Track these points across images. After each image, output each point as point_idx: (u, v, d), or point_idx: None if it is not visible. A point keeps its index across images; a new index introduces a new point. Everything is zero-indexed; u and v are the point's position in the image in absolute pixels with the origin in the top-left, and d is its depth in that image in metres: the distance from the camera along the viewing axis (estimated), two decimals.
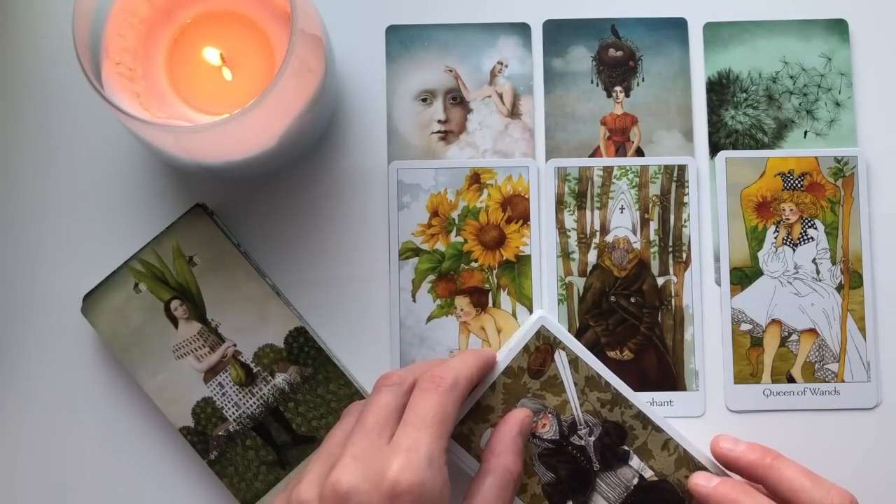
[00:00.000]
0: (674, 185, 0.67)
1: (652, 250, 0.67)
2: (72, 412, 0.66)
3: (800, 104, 0.68)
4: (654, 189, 0.67)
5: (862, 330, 0.66)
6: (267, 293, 0.65)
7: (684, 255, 0.67)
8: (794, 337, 0.66)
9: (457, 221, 0.67)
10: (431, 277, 0.66)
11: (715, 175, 0.67)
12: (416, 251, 0.67)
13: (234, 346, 0.64)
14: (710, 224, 0.67)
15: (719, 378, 0.66)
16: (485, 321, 0.66)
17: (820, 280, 0.66)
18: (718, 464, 0.63)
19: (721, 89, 0.68)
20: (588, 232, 0.67)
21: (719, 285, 0.67)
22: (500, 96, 0.68)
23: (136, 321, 0.64)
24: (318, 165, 0.67)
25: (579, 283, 0.67)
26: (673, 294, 0.66)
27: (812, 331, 0.66)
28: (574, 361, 0.63)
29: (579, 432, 0.63)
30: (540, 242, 0.67)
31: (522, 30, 0.68)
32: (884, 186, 0.67)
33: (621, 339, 0.66)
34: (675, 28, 0.68)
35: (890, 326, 0.66)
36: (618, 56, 0.68)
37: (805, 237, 0.67)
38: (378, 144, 0.67)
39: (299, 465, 0.64)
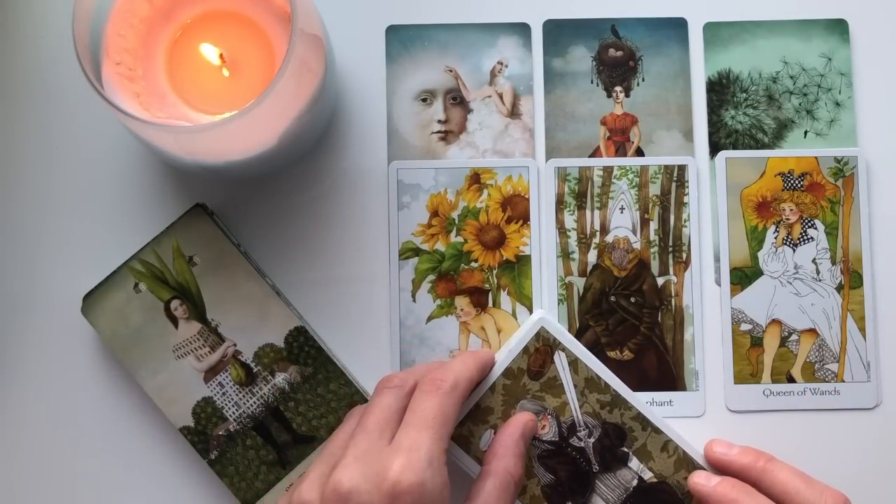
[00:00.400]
0: (674, 185, 0.67)
1: (652, 250, 0.67)
2: (72, 412, 0.66)
3: (800, 104, 0.67)
4: (654, 189, 0.67)
5: (862, 330, 0.66)
6: (267, 293, 0.65)
7: (684, 255, 0.67)
8: (794, 337, 0.66)
9: (457, 221, 0.67)
10: (431, 277, 0.67)
11: (715, 175, 0.67)
12: (416, 251, 0.67)
13: (235, 345, 0.64)
14: (710, 224, 0.67)
15: (719, 378, 0.66)
16: (485, 321, 0.66)
17: (820, 280, 0.66)
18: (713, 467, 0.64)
19: (721, 89, 0.68)
20: (588, 232, 0.67)
21: (719, 285, 0.67)
22: (500, 96, 0.68)
23: (136, 321, 0.64)
24: (318, 165, 0.67)
25: (579, 283, 0.67)
26: (673, 294, 0.66)
27: (812, 331, 0.66)
28: (574, 363, 0.63)
29: (579, 434, 0.63)
30: (540, 242, 0.67)
31: (522, 30, 0.68)
32: (884, 186, 0.67)
33: (621, 339, 0.66)
34: (675, 28, 0.68)
35: (890, 326, 0.66)
36: (618, 56, 0.68)
37: (805, 237, 0.67)
38: (378, 144, 0.67)
39: (300, 464, 0.64)
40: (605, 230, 0.67)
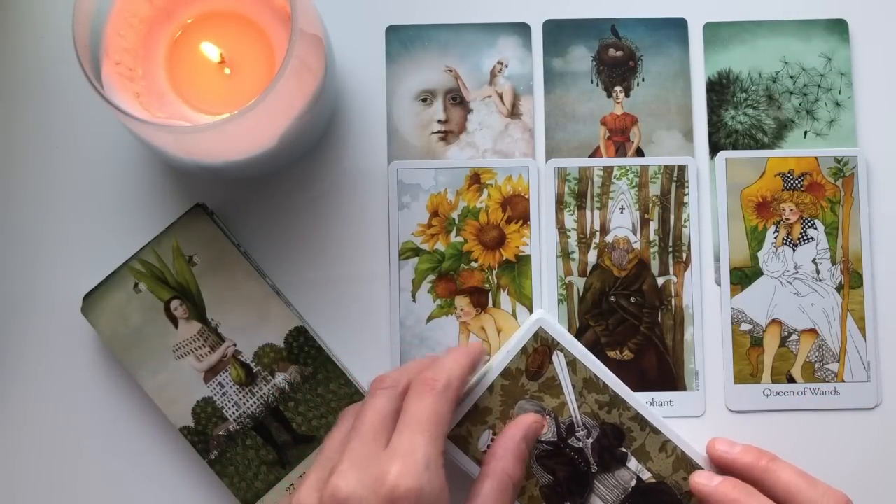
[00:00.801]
0: (674, 185, 0.67)
1: (652, 250, 0.67)
2: (72, 412, 0.66)
3: (800, 104, 0.67)
4: (654, 189, 0.67)
5: (862, 330, 0.66)
6: (267, 293, 0.65)
7: (684, 255, 0.67)
8: (794, 337, 0.66)
9: (457, 221, 0.67)
10: (431, 277, 0.67)
11: (715, 175, 0.67)
12: (416, 251, 0.67)
13: (234, 345, 0.64)
14: (710, 224, 0.67)
15: (719, 378, 0.66)
16: (485, 321, 0.66)
17: (820, 280, 0.66)
18: (715, 466, 0.64)
19: (721, 89, 0.68)
20: (588, 232, 0.67)
21: (719, 285, 0.67)
22: (500, 96, 0.68)
23: (136, 321, 0.64)
24: (318, 165, 0.67)
25: (579, 283, 0.67)
26: (673, 294, 0.66)
27: (812, 331, 0.66)
28: (572, 363, 0.63)
29: (577, 434, 0.63)
30: (540, 242, 0.67)
31: (522, 30, 0.68)
32: (884, 186, 0.67)
33: (621, 339, 0.66)
34: (675, 28, 0.68)
35: (890, 326, 0.66)
36: (618, 56, 0.68)
37: (805, 237, 0.67)
38: (378, 144, 0.67)
39: (300, 464, 0.64)
40: (605, 230, 0.67)
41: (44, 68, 0.68)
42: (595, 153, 0.67)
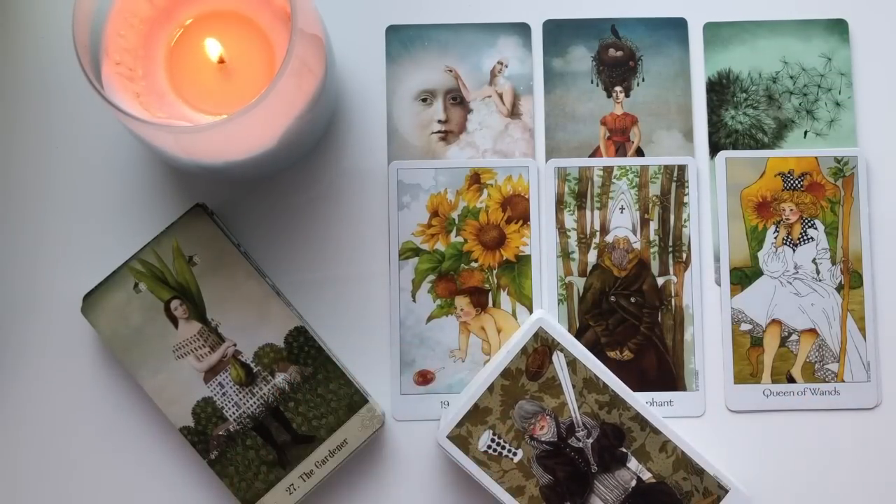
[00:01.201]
0: (674, 185, 0.67)
1: (652, 250, 0.67)
2: (72, 412, 0.66)
3: (800, 104, 0.67)
4: (654, 189, 0.67)
5: (862, 330, 0.66)
6: (267, 293, 0.65)
7: (684, 255, 0.67)
8: (794, 337, 0.66)
9: (457, 221, 0.67)
10: (431, 277, 0.67)
11: (715, 175, 0.67)
12: (416, 251, 0.67)
13: (235, 345, 0.64)
14: (710, 224, 0.67)
15: (719, 378, 0.66)
16: (485, 321, 0.66)
17: (820, 280, 0.66)
18: (716, 466, 0.63)
19: (721, 89, 0.68)
20: (588, 232, 0.67)
21: (719, 285, 0.67)
22: (500, 96, 0.68)
23: (136, 321, 0.64)
24: (318, 165, 0.67)
25: (579, 283, 0.67)
26: (673, 294, 0.66)
27: (812, 331, 0.66)
28: (572, 363, 0.63)
29: (577, 434, 0.63)
30: (540, 242, 0.67)
31: (522, 30, 0.68)
32: (884, 186, 0.67)
33: (621, 339, 0.66)
34: (675, 28, 0.68)
35: (890, 326, 0.66)
36: (618, 56, 0.68)
37: (805, 237, 0.67)
38: (378, 144, 0.67)
39: (300, 464, 0.64)
40: (605, 230, 0.67)
41: (44, 68, 0.68)
42: (595, 153, 0.67)
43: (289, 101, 0.58)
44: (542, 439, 0.63)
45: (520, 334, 0.64)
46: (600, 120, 0.68)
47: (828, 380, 0.66)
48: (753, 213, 0.67)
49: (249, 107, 0.54)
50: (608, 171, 0.67)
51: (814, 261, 0.66)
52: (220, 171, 0.63)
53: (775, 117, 0.67)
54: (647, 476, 0.63)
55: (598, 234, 0.67)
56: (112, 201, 0.67)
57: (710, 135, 0.67)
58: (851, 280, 0.66)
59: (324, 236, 0.67)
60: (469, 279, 0.67)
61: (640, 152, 0.67)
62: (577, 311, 0.66)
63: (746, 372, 0.66)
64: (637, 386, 0.65)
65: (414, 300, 0.66)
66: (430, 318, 0.66)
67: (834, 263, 0.66)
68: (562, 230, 0.67)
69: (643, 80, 0.68)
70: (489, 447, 0.63)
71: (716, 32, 0.68)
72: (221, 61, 0.61)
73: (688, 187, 0.67)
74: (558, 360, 0.63)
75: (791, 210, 0.67)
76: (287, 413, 0.64)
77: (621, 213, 0.67)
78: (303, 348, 0.64)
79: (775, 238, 0.67)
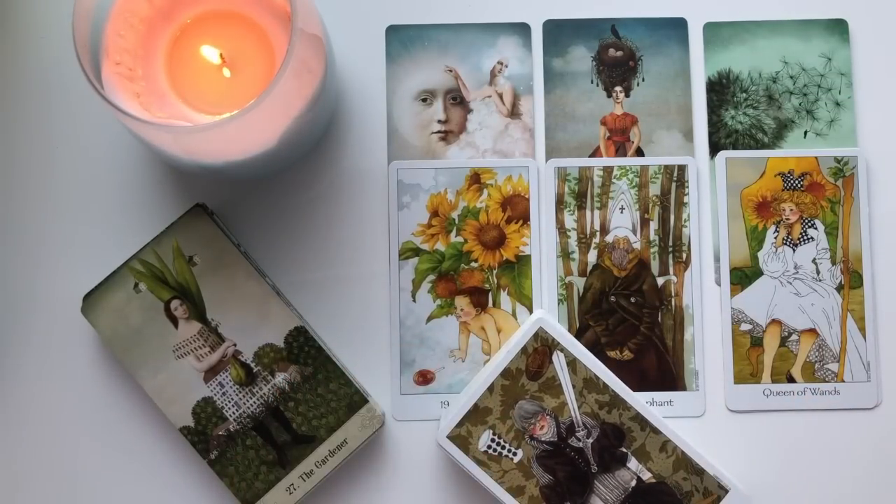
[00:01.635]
0: (674, 185, 0.67)
1: (652, 250, 0.67)
2: (72, 412, 0.66)
3: (800, 104, 0.67)
4: (654, 189, 0.67)
5: (862, 330, 0.66)
6: (267, 293, 0.65)
7: (684, 255, 0.67)
8: (794, 337, 0.66)
9: (457, 221, 0.67)
10: (431, 277, 0.67)
11: (715, 175, 0.67)
12: (416, 251, 0.67)
13: (235, 345, 0.64)
14: (710, 224, 0.67)
15: (719, 378, 0.66)
16: (485, 321, 0.66)
17: (820, 280, 0.66)
18: (716, 466, 0.63)
19: (721, 89, 0.68)
20: (588, 232, 0.67)
21: (719, 285, 0.67)
22: (500, 96, 0.68)
23: (136, 321, 0.64)
24: (318, 165, 0.67)
25: (579, 283, 0.67)
26: (673, 294, 0.66)
27: (812, 331, 0.66)
28: (572, 363, 0.63)
29: (577, 434, 0.63)
30: (540, 242, 0.67)
31: (522, 30, 0.68)
32: (884, 186, 0.67)
33: (621, 339, 0.66)
34: (675, 28, 0.68)
35: (890, 326, 0.66)
36: (618, 56, 0.68)
37: (805, 237, 0.67)
38: (378, 144, 0.67)
39: (300, 464, 0.64)
40: (605, 230, 0.67)
41: (44, 68, 0.68)
42: (595, 153, 0.67)
43: (289, 101, 0.58)
44: (542, 439, 0.63)
45: (520, 334, 0.64)
46: (600, 120, 0.68)
47: (828, 380, 0.66)
48: (753, 213, 0.67)
49: (249, 107, 0.54)
50: (608, 171, 0.67)
51: (814, 261, 0.66)
52: (220, 171, 0.63)
53: (775, 117, 0.67)
54: (647, 476, 0.63)
55: (598, 234, 0.67)
56: (112, 201, 0.67)
57: (710, 135, 0.67)
58: (851, 280, 0.66)
59: (324, 236, 0.67)
60: (469, 279, 0.67)
61: (640, 152, 0.67)
62: (577, 311, 0.66)
63: (746, 372, 0.66)
64: (637, 386, 0.65)
65: (414, 300, 0.66)
66: (430, 318, 0.66)
67: (834, 263, 0.66)
68: (562, 230, 0.67)
69: (643, 80, 0.68)
70: (489, 447, 0.63)
71: (716, 32, 0.68)
72: (222, 62, 0.61)
73: (688, 187, 0.67)
74: (558, 360, 0.63)
75: (791, 210, 0.67)
76: (287, 413, 0.64)
77: (621, 213, 0.67)
78: (303, 348, 0.64)
79: (775, 238, 0.67)
